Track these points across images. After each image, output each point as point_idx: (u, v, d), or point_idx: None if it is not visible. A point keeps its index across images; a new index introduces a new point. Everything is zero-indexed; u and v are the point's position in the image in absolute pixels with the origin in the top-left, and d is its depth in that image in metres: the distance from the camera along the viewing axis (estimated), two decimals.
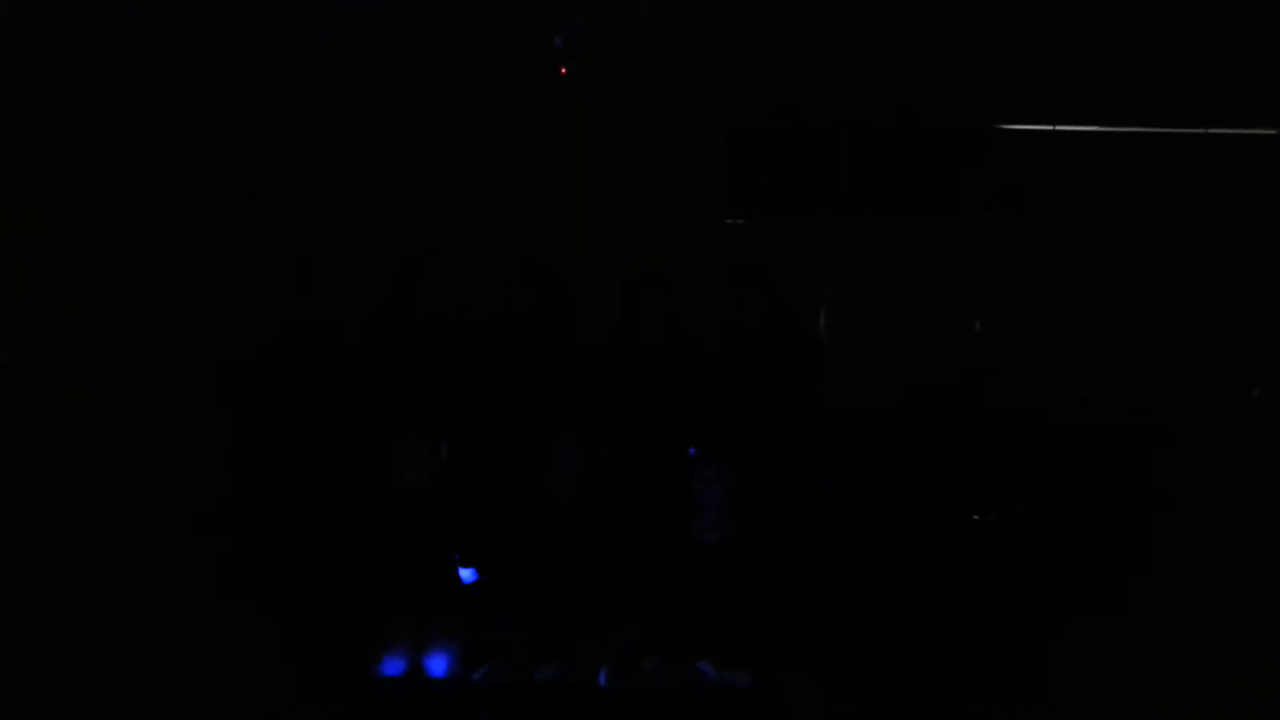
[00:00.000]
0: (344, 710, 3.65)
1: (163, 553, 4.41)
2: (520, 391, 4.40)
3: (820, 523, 4.58)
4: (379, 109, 5.78)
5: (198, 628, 4.00)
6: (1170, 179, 6.06)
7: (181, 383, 5.07)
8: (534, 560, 4.05)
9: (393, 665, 3.81)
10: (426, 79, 5.46)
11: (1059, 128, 6.04)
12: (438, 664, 3.83)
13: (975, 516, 5.24)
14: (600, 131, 5.84)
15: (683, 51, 5.09)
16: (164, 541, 4.47)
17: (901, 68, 5.26)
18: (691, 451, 4.38)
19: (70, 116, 5.79)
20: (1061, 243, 5.95)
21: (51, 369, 5.36)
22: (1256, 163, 6.07)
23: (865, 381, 5.61)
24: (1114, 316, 5.85)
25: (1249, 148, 6.09)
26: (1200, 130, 6.03)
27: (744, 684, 3.81)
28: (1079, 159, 6.05)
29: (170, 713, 3.68)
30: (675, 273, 4.60)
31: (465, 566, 4.11)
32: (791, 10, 4.63)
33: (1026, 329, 5.80)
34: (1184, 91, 5.58)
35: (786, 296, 5.02)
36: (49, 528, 4.56)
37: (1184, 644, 4.15)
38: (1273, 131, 6.06)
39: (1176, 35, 4.82)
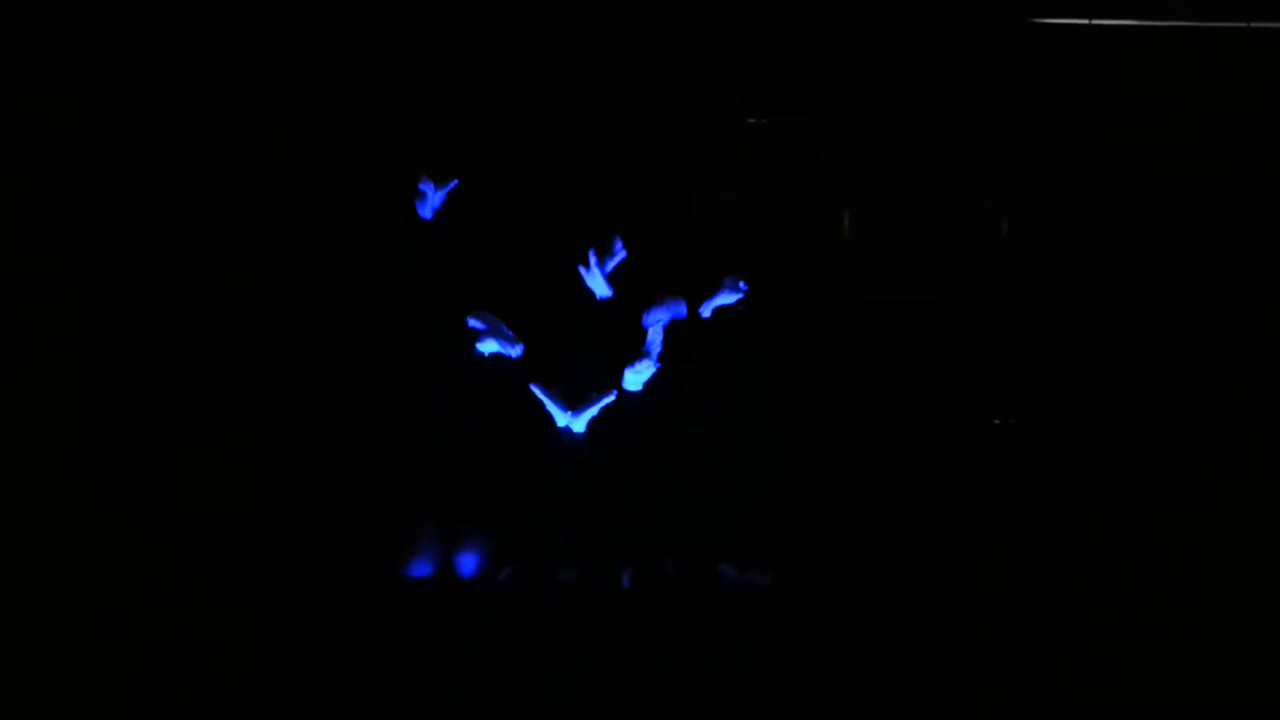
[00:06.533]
0: (369, 611, 3.72)
1: (168, 457, 4.45)
2: (535, 300, 4.37)
3: (838, 426, 4.59)
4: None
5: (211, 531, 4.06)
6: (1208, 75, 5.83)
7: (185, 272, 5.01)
8: (558, 463, 4.07)
9: (418, 567, 3.87)
10: None
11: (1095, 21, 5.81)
12: (463, 566, 3.88)
13: (996, 421, 5.25)
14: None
15: None
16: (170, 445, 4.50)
17: None
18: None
19: None
20: (1092, 143, 5.76)
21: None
22: None
23: (886, 283, 5.54)
24: (1143, 217, 5.70)
25: None
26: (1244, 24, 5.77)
27: (764, 584, 3.86)
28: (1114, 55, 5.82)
29: (188, 618, 3.75)
30: (687, 173, 4.49)
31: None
32: None
33: (1053, 231, 5.68)
34: None
35: (808, 195, 4.90)
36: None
37: (1195, 563, 4.18)
38: None
39: None
